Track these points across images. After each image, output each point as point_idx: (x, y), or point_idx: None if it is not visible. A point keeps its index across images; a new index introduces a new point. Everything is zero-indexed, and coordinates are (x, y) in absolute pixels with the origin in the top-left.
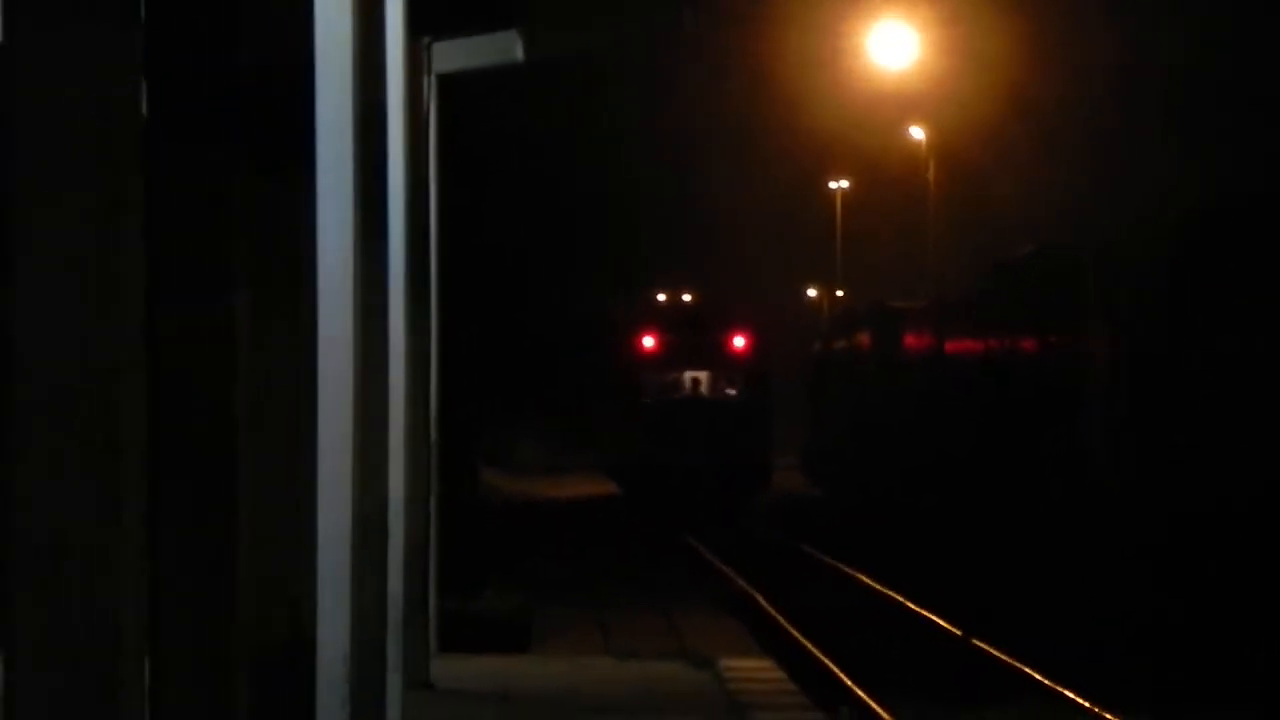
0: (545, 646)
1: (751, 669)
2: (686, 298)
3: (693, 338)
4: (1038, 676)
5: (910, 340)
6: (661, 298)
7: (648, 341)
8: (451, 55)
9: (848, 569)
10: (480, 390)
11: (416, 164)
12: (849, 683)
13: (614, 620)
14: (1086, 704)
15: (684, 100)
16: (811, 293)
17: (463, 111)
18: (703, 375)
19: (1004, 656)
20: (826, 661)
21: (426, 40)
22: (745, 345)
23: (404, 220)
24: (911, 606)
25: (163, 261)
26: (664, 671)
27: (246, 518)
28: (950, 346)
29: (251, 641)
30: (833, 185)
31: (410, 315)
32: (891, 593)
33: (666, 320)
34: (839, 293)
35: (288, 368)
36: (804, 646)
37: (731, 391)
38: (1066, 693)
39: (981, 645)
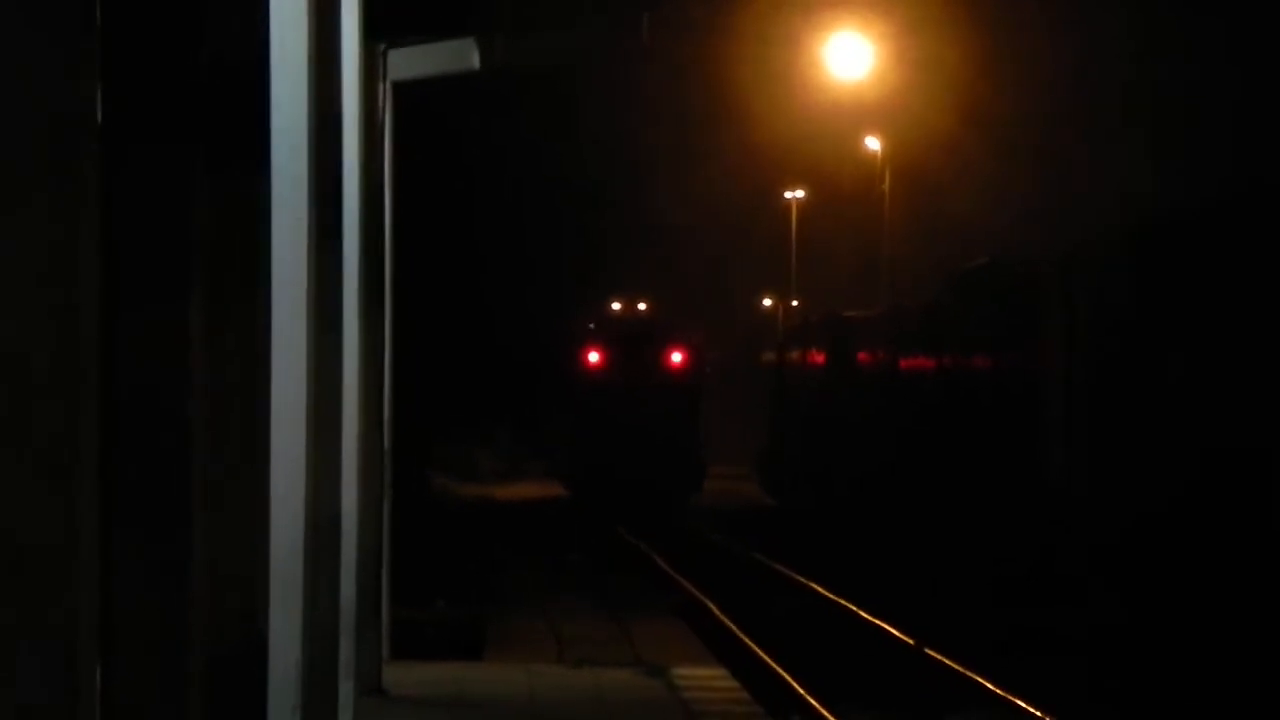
0: (498, 654)
1: (704, 677)
2: (641, 306)
3: (632, 354)
4: (989, 685)
5: (864, 351)
6: (612, 310)
7: (592, 357)
8: (408, 62)
9: (801, 578)
10: (435, 399)
11: (371, 170)
12: (802, 691)
13: (567, 628)
14: (1038, 713)
15: (642, 108)
16: (767, 302)
17: (420, 118)
18: (640, 388)
19: (956, 666)
20: (779, 670)
21: (382, 47)
22: (680, 362)
23: (359, 227)
24: (864, 615)
25: (119, 266)
26: (617, 679)
27: (200, 525)
28: (904, 357)
29: (205, 648)
30: (788, 195)
31: (365, 323)
32: (845, 602)
33: (608, 338)
34: (794, 302)
35: (241, 373)
36: (757, 655)
37: (666, 403)
38: (1018, 701)
39: (934, 654)
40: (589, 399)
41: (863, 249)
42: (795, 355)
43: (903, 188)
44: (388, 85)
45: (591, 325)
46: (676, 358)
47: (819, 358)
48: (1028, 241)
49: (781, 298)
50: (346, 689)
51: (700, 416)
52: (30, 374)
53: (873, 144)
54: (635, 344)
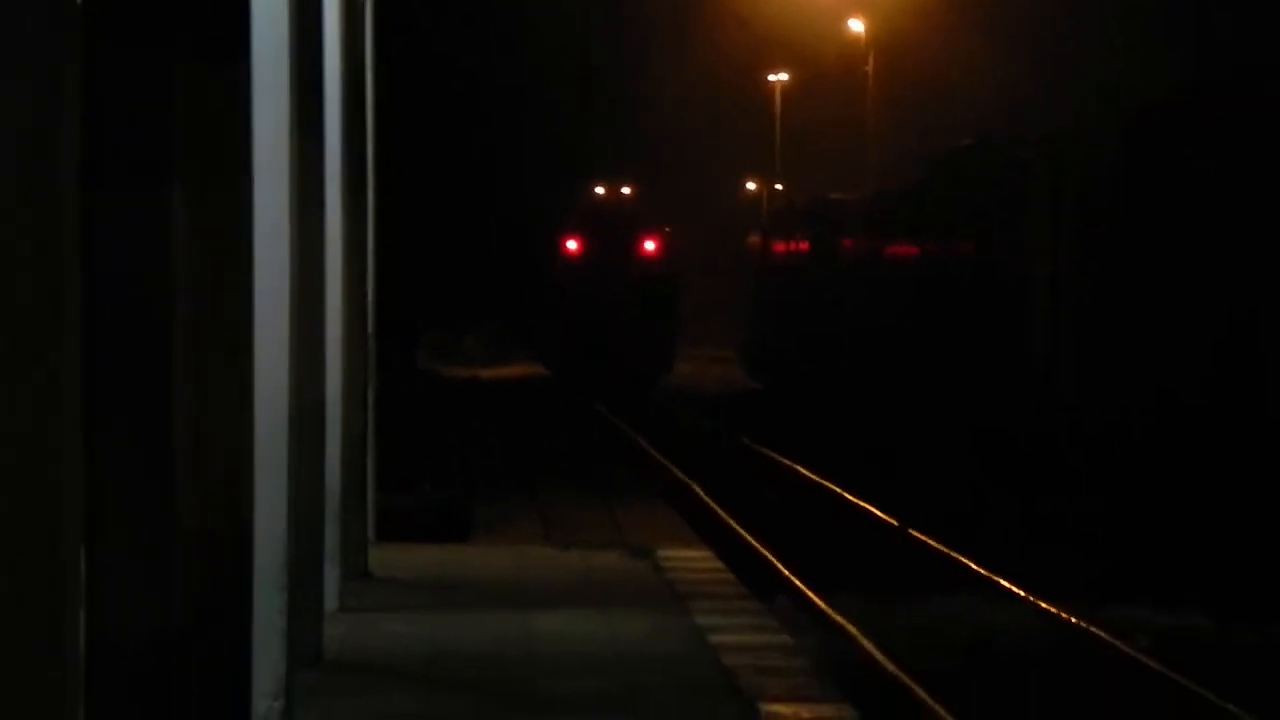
0: (484, 537)
1: (690, 559)
2: (625, 190)
3: (609, 240)
4: (973, 566)
5: (848, 235)
6: (590, 198)
7: (570, 244)
8: None
9: (787, 461)
10: (422, 284)
11: (353, 55)
12: (786, 573)
13: (553, 511)
14: (1021, 592)
15: None
16: (751, 186)
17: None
18: (613, 273)
19: (940, 547)
20: (764, 552)
21: None
22: (655, 248)
23: (340, 111)
24: (849, 498)
25: (101, 153)
26: (603, 561)
27: (182, 409)
28: (889, 241)
29: (189, 531)
30: (771, 78)
31: (347, 208)
32: (830, 484)
33: (588, 224)
34: (778, 186)
35: (223, 258)
36: (742, 537)
37: (638, 288)
38: (1001, 581)
39: (918, 535)
40: (566, 282)
41: (847, 132)
42: (778, 239)
43: (887, 70)
44: None
45: (574, 210)
46: (649, 245)
47: (802, 242)
48: (1014, 123)
49: (766, 182)
50: (332, 572)
51: (674, 302)
52: (9, 258)
53: (856, 26)
54: (610, 231)
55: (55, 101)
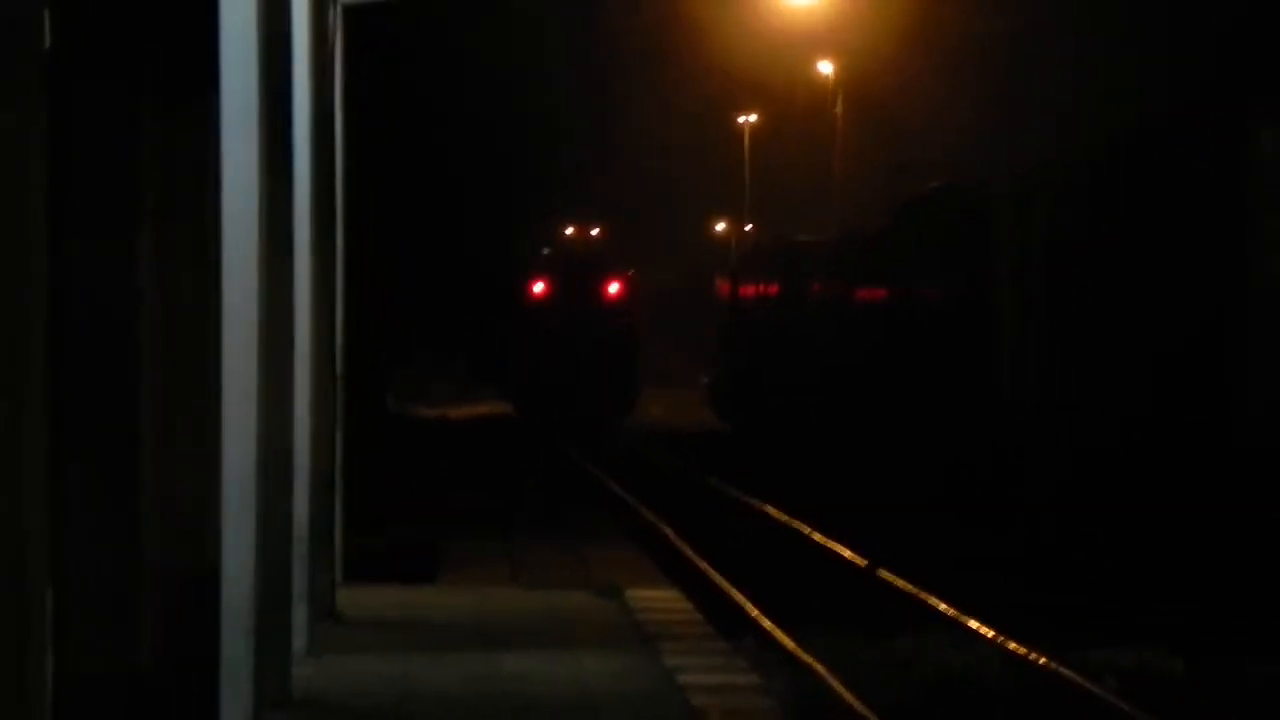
0: (452, 578)
1: (658, 599)
2: (594, 231)
3: (575, 283)
4: (942, 606)
5: (817, 276)
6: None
7: (538, 287)
8: None
9: (756, 501)
10: (392, 324)
11: (322, 96)
12: (755, 613)
13: (522, 552)
14: (989, 632)
15: (597, 32)
16: (721, 226)
17: (373, 44)
18: (577, 317)
19: (909, 586)
20: (733, 592)
21: None
22: (615, 293)
23: (310, 152)
24: (818, 538)
25: (68, 192)
26: (571, 601)
27: (150, 448)
28: (857, 283)
29: (156, 571)
30: (741, 119)
31: (316, 249)
32: (798, 524)
33: (554, 267)
34: (748, 227)
35: (191, 297)
36: (711, 578)
37: (601, 332)
38: (970, 623)
39: (887, 576)
40: (532, 325)
41: (816, 173)
42: (747, 280)
43: (855, 112)
44: (338, 9)
45: (541, 254)
46: (612, 289)
47: (771, 282)
48: (980, 160)
49: (735, 222)
50: (301, 613)
51: (635, 346)
52: None
53: (825, 68)
54: (575, 276)
55: (22, 140)
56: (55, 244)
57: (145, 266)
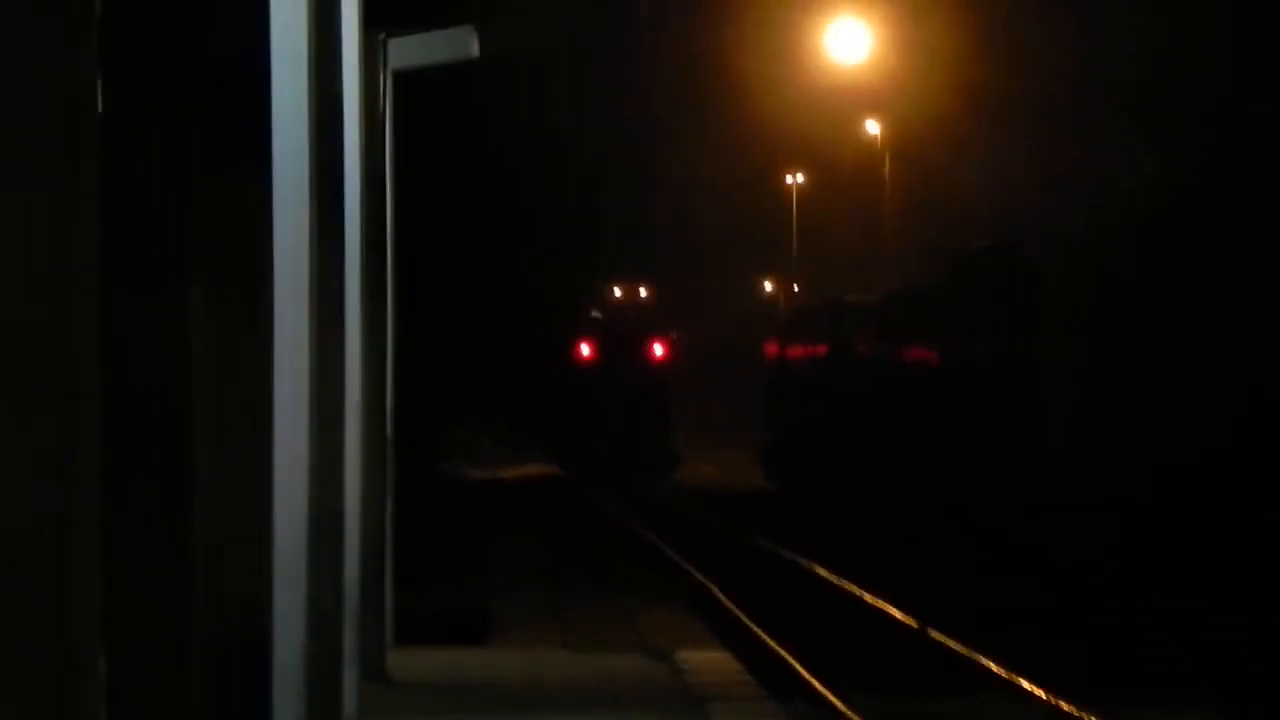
0: (502, 639)
1: (708, 661)
2: (642, 292)
3: (619, 345)
4: (994, 668)
5: (866, 336)
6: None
7: (583, 349)
8: (408, 51)
9: (805, 562)
10: (441, 387)
11: (373, 160)
12: (805, 674)
13: (571, 613)
14: (1042, 694)
15: (642, 93)
16: (768, 286)
17: (419, 107)
18: (619, 381)
19: (960, 648)
20: (783, 653)
21: (382, 36)
22: (658, 354)
23: (360, 218)
24: (868, 599)
25: (120, 257)
26: (621, 664)
27: (202, 516)
28: (906, 342)
29: (208, 637)
30: (789, 179)
31: (367, 314)
32: (849, 585)
33: (600, 329)
34: (795, 286)
35: (243, 365)
36: (761, 639)
37: (642, 396)
38: (1022, 683)
39: (938, 637)
40: (575, 386)
41: (863, 232)
42: (796, 340)
43: (902, 171)
44: (388, 74)
45: (584, 316)
46: (654, 352)
47: (819, 343)
48: (1029, 221)
49: (783, 281)
50: (351, 675)
51: (667, 404)
52: (28, 366)
53: (872, 128)
54: (620, 336)
55: (72, 203)
56: (104, 313)
57: (195, 333)
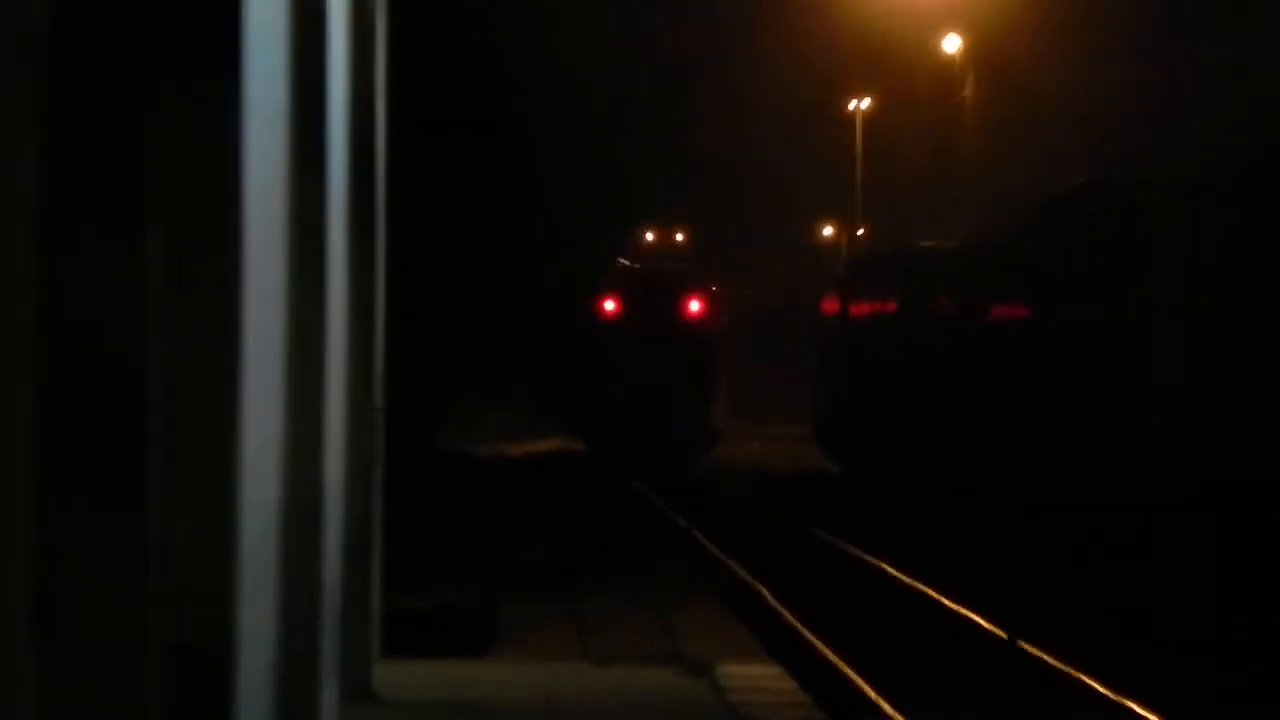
0: (511, 649)
1: (756, 676)
2: (679, 237)
3: (647, 304)
4: (1096, 686)
5: (942, 290)
6: (647, 236)
7: (607, 305)
8: None
9: (870, 558)
10: (438, 348)
11: (361, 79)
12: (871, 693)
13: (593, 617)
14: (1152, 717)
15: (685, 7)
16: (828, 231)
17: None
18: (650, 342)
19: (1056, 662)
20: (844, 668)
21: None
22: (696, 311)
23: (346, 146)
24: (946, 604)
25: (63, 189)
26: (652, 680)
27: (156, 502)
28: (991, 296)
29: (161, 642)
30: (852, 105)
31: (353, 260)
32: (922, 587)
33: (625, 285)
34: (859, 231)
35: (206, 317)
36: (819, 650)
37: (679, 355)
38: (1132, 706)
39: (1029, 649)
40: (599, 348)
41: (940, 167)
42: (859, 296)
43: (986, 95)
44: None
45: (615, 267)
46: (691, 308)
47: (888, 299)
48: (1137, 158)
49: (844, 226)
50: (330, 692)
51: (714, 375)
52: None
53: (952, 45)
54: (647, 294)
55: (10, 135)
56: (45, 254)
57: (152, 278)
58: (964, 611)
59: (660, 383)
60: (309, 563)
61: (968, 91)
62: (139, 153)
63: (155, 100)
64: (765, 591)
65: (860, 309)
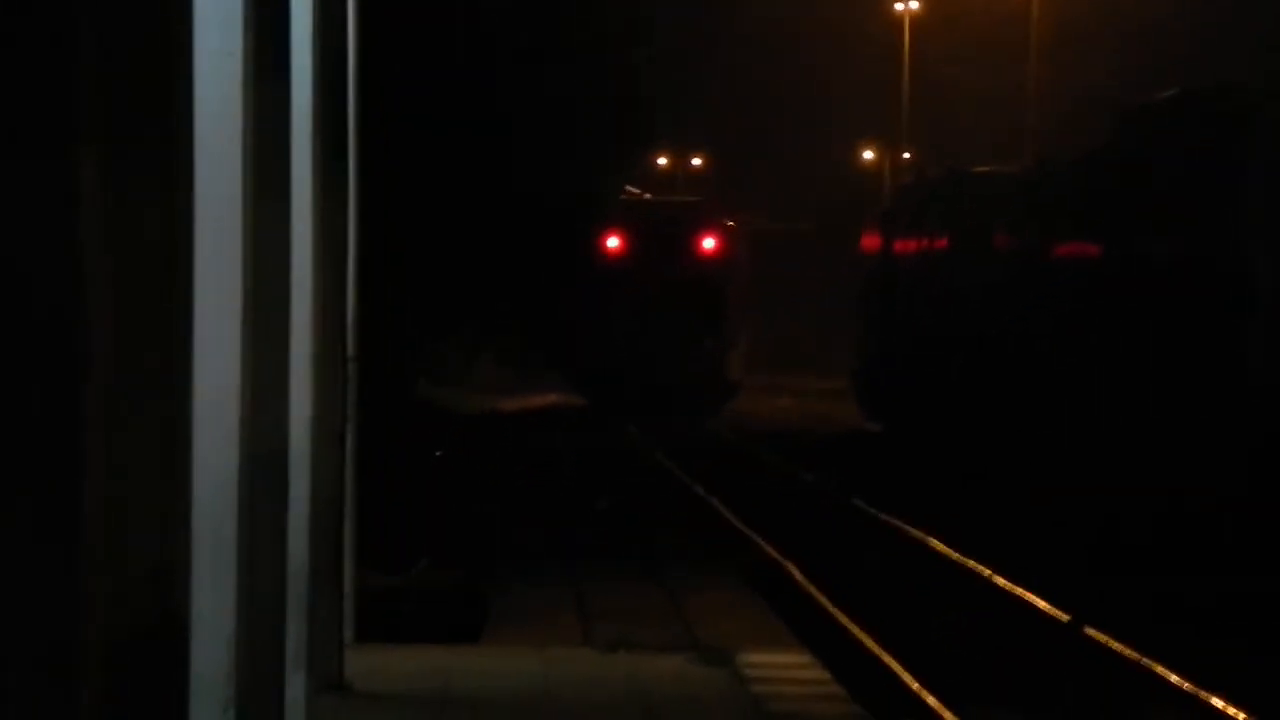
0: (503, 634)
1: (784, 665)
2: (696, 161)
3: (655, 240)
4: (1172, 678)
5: (1002, 223)
6: (658, 161)
7: (611, 243)
8: None
9: (915, 532)
10: (419, 289)
11: None
12: (914, 685)
13: (597, 598)
14: (1240, 715)
15: None
16: (868, 155)
17: None
18: (658, 283)
19: (1127, 651)
20: (884, 656)
21: None
22: (711, 249)
23: (313, 47)
24: (1000, 583)
25: None
26: (665, 669)
27: (96, 459)
28: (1059, 230)
29: (102, 626)
30: (899, 5)
31: (320, 187)
32: (973, 564)
33: (630, 219)
34: (905, 155)
35: (151, 251)
36: (854, 636)
37: (692, 298)
38: (1212, 700)
39: (1096, 635)
40: (603, 290)
41: (1001, 81)
42: (905, 230)
43: None
44: None
45: (620, 199)
46: (705, 245)
47: (938, 233)
48: (1234, 64)
49: (888, 149)
50: (297, 683)
51: (730, 319)
52: None
53: None
54: (655, 228)
55: None
56: None
57: (91, 203)
58: (1020, 592)
59: (668, 329)
60: (272, 536)
61: None
62: (70, 60)
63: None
64: (794, 569)
65: (906, 245)
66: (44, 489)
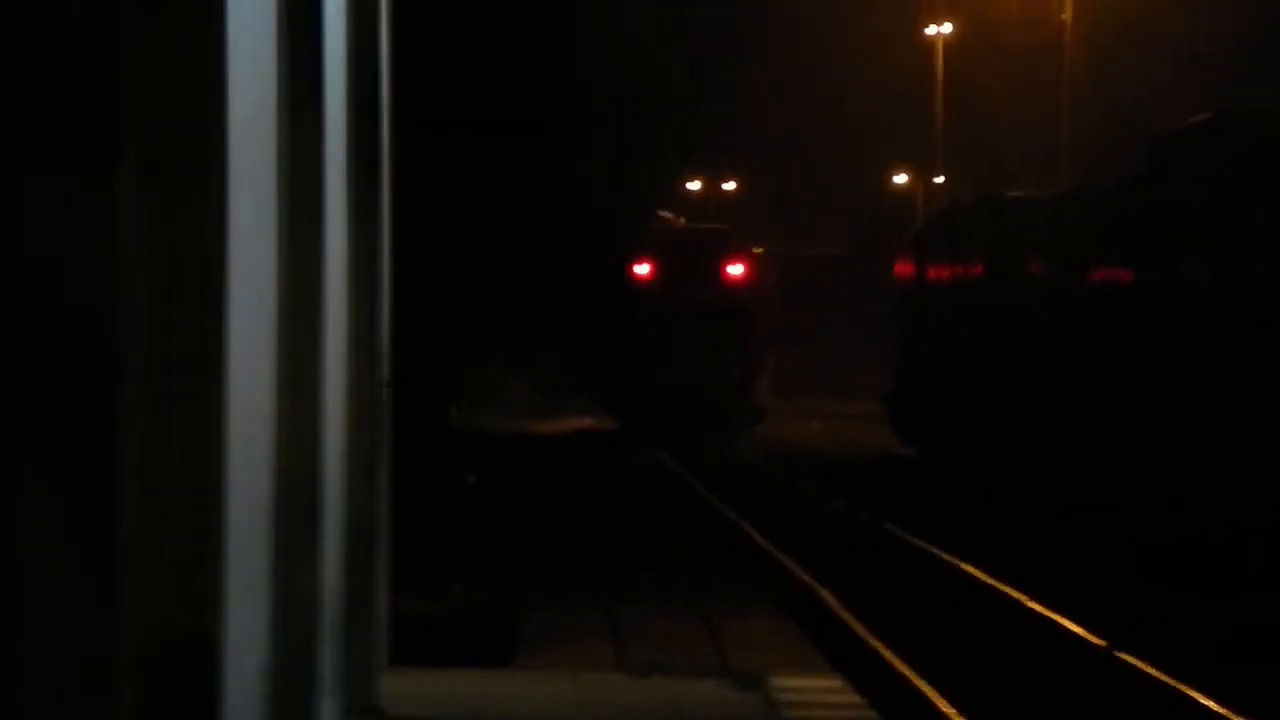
0: (536, 658)
1: (817, 690)
2: (728, 186)
3: (683, 267)
4: (1211, 705)
5: (1036, 250)
6: (690, 186)
7: (641, 269)
8: None
9: (948, 557)
10: (455, 314)
11: (363, 3)
12: (948, 710)
13: (630, 622)
14: None
15: None
16: (901, 179)
17: None
18: (685, 308)
19: (1163, 677)
20: (918, 682)
21: None
22: (738, 276)
23: (346, 67)
24: (1035, 608)
25: (24, 124)
26: (698, 693)
27: (129, 484)
28: (1095, 256)
29: (138, 650)
30: (931, 31)
31: (354, 211)
32: (1008, 589)
33: (659, 245)
34: (938, 179)
35: (185, 275)
36: (887, 661)
37: (718, 323)
38: None
39: (1131, 660)
40: (632, 315)
41: (1035, 106)
42: (938, 256)
43: (1090, 17)
44: None
45: (650, 225)
46: (732, 272)
47: (972, 259)
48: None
49: (921, 173)
50: (329, 706)
51: (756, 345)
52: None
53: None
54: (683, 256)
55: None
56: (3, 186)
57: (127, 233)
58: (1055, 617)
59: (695, 353)
60: (305, 560)
61: (1067, 15)
62: (107, 69)
63: (126, 16)
64: (827, 594)
65: (940, 271)
66: (75, 513)
